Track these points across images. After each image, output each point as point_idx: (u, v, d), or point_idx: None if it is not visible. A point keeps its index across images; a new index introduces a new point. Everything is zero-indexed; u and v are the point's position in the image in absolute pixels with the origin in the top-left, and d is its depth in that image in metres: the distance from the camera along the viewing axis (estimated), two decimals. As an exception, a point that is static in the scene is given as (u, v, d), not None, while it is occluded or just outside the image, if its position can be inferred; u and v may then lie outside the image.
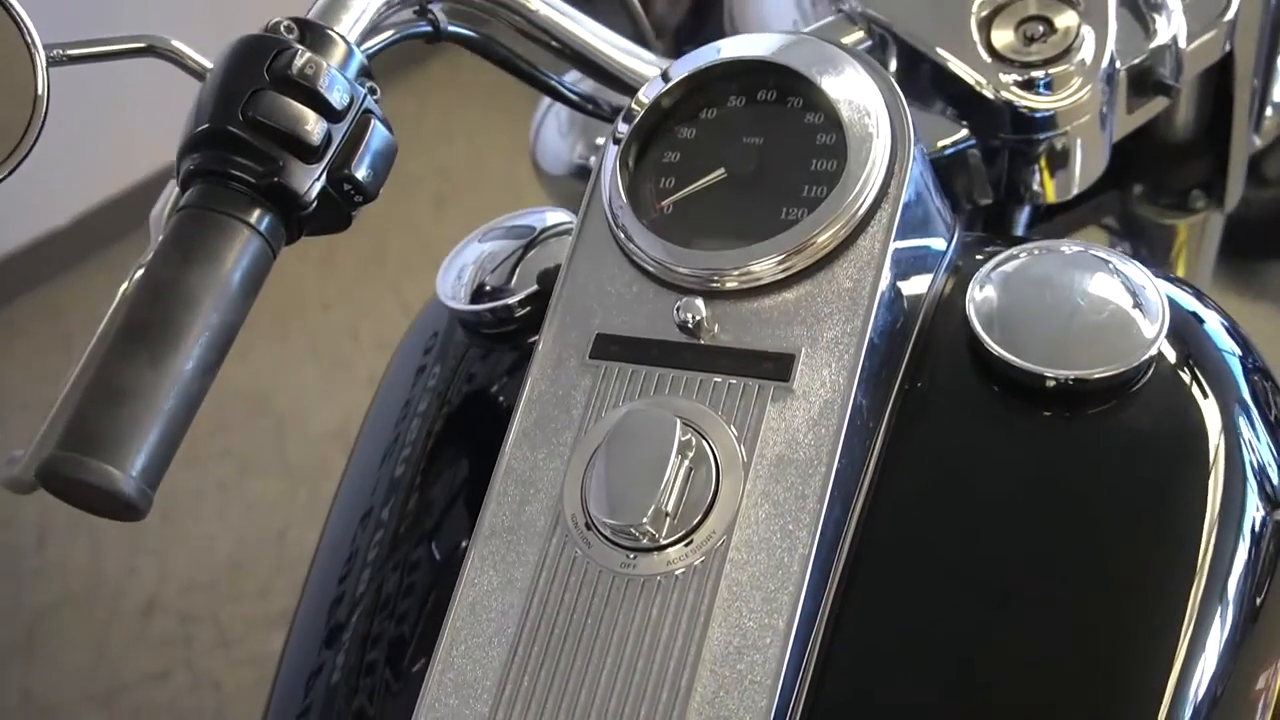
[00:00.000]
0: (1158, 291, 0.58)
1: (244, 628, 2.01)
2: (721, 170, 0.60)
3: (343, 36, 0.57)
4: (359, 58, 0.57)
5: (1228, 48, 0.81)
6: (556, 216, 0.78)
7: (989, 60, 0.71)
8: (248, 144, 0.52)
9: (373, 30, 0.61)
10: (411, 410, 0.78)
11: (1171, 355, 0.59)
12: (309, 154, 0.53)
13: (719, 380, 0.56)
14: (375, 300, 2.48)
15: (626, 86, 0.70)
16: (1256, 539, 0.56)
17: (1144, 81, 0.75)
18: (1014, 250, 0.61)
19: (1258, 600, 0.56)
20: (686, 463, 0.53)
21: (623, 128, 0.63)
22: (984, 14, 0.72)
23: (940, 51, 0.72)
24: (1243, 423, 0.58)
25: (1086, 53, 0.70)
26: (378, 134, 0.56)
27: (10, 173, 0.54)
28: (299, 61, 0.53)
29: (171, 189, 0.61)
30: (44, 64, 0.54)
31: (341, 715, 0.68)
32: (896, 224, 0.56)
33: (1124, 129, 0.78)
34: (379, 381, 0.84)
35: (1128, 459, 0.56)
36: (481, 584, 0.55)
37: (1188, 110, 0.94)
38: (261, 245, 0.53)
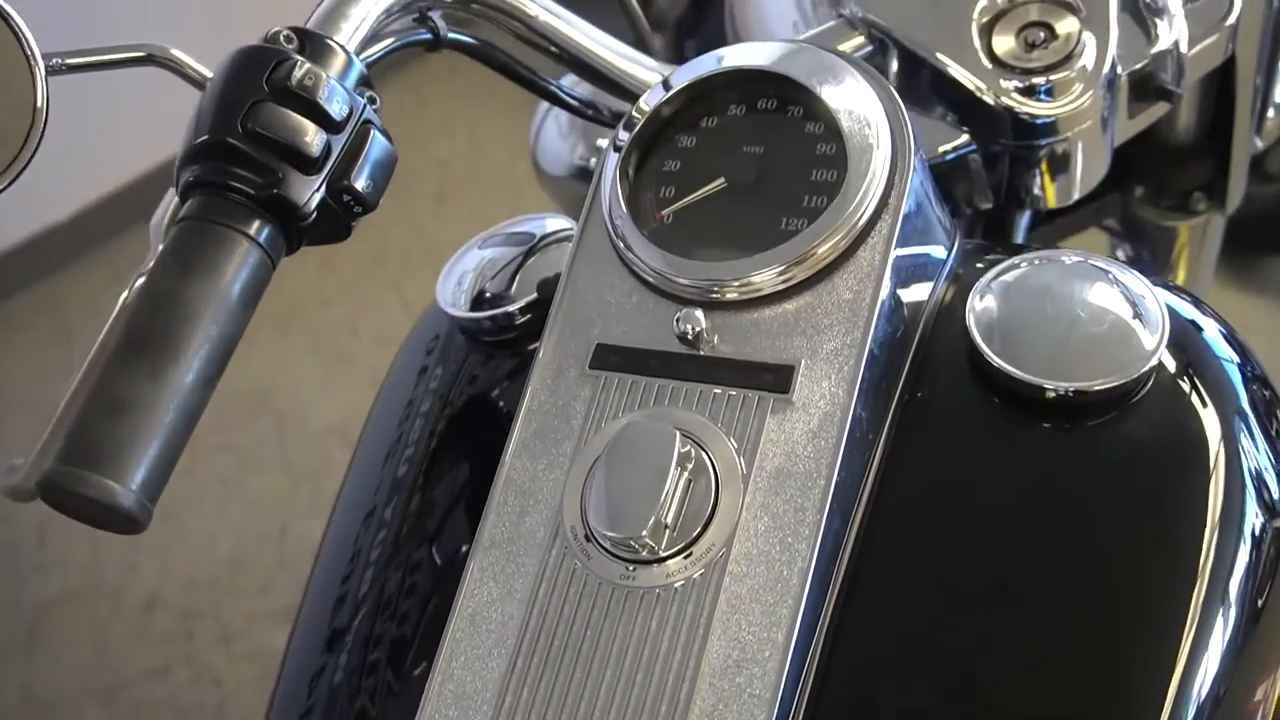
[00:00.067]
0: (1157, 301, 0.58)
1: (245, 624, 2.01)
2: (721, 180, 0.60)
3: (342, 46, 0.57)
4: (358, 67, 0.57)
5: (1230, 51, 0.81)
6: (557, 223, 0.78)
7: (990, 66, 0.71)
8: (247, 156, 0.52)
9: (372, 39, 0.60)
10: (414, 410, 0.78)
11: (1171, 365, 0.59)
12: (308, 165, 0.53)
13: (719, 392, 0.56)
14: (375, 296, 2.48)
15: (627, 92, 0.70)
16: (1256, 546, 0.56)
17: (1145, 87, 0.75)
18: (1014, 260, 0.61)
19: (1259, 602, 0.56)
20: (686, 475, 0.53)
21: (623, 135, 0.63)
22: (985, 20, 0.72)
23: (941, 57, 0.72)
24: (1242, 432, 0.58)
25: (1088, 59, 0.70)
26: (377, 144, 0.56)
27: (10, 183, 0.54)
28: (298, 73, 0.53)
29: (171, 197, 0.61)
30: (43, 75, 0.54)
31: (344, 716, 0.68)
32: (897, 234, 0.56)
33: (1125, 134, 0.78)
34: (381, 383, 0.84)
35: (1127, 469, 0.56)
36: (481, 595, 0.56)
37: (1189, 113, 0.94)
38: (261, 257, 0.53)
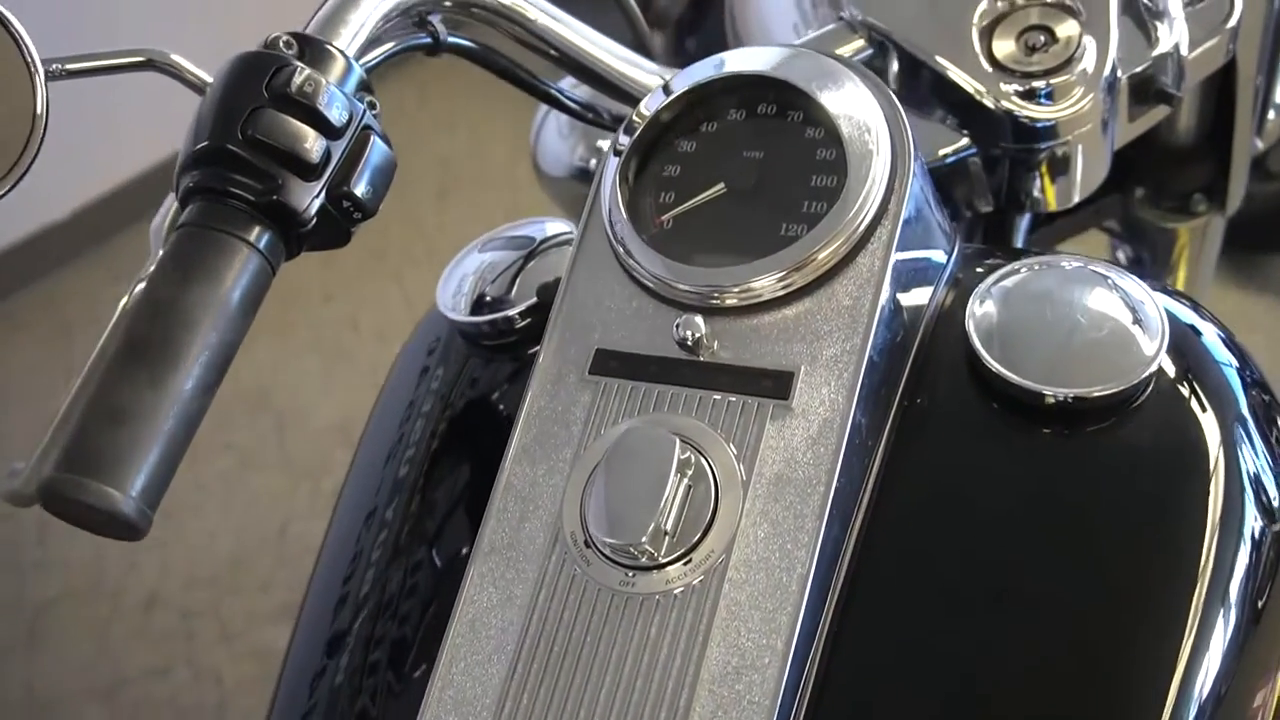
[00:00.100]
0: (1156, 306, 0.58)
1: (245, 622, 2.02)
2: (721, 185, 0.60)
3: (342, 51, 0.56)
4: (358, 73, 0.57)
5: (1230, 54, 0.80)
6: (556, 227, 0.78)
7: (990, 70, 0.71)
8: (247, 162, 0.52)
9: (371, 43, 0.60)
10: (415, 413, 0.78)
11: (1170, 371, 0.59)
12: (308, 172, 0.53)
13: (718, 398, 0.56)
14: (376, 292, 2.48)
15: (627, 95, 0.70)
16: (1256, 550, 0.56)
17: (1146, 90, 0.74)
18: (1014, 265, 0.61)
19: (1259, 606, 0.56)
20: (685, 481, 0.53)
21: (623, 140, 0.63)
22: (985, 23, 0.72)
23: (941, 60, 0.72)
24: (1241, 437, 0.58)
25: (1088, 62, 0.70)
26: (377, 150, 0.55)
27: (10, 189, 0.54)
28: (298, 79, 0.53)
29: (171, 202, 0.61)
30: (43, 82, 0.54)
31: (345, 717, 0.68)
32: (897, 240, 0.56)
33: (1125, 137, 0.77)
34: (382, 385, 0.84)
35: (1127, 475, 0.56)
36: (481, 601, 0.56)
37: (1189, 115, 0.94)
38: (261, 263, 0.53)
